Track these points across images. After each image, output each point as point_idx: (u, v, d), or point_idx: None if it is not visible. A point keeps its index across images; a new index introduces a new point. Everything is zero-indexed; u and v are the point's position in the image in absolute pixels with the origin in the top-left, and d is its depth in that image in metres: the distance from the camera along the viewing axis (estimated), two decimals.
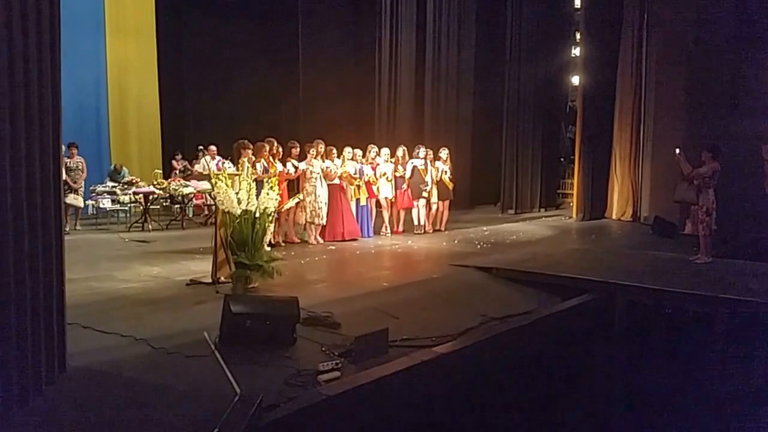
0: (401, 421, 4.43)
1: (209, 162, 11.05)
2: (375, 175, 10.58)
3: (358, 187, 10.34)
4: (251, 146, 8.51)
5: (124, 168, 12.49)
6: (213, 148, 11.74)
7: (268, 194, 6.58)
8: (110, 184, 11.92)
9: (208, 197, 11.10)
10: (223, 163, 9.15)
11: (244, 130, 10.86)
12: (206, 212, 12.05)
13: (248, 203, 6.45)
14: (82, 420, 3.43)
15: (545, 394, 5.46)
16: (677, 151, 8.43)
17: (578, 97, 14.40)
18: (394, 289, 6.79)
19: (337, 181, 9.92)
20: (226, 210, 6.45)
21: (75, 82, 12.35)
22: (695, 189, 8.15)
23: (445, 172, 11.31)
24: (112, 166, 12.71)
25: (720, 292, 6.57)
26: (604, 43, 13.49)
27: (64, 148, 5.05)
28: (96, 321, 5.01)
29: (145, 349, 4.49)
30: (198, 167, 11.49)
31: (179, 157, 13.35)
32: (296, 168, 9.58)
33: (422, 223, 11.11)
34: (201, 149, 12.12)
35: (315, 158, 9.69)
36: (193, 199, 12.10)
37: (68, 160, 10.38)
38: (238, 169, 7.74)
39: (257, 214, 6.51)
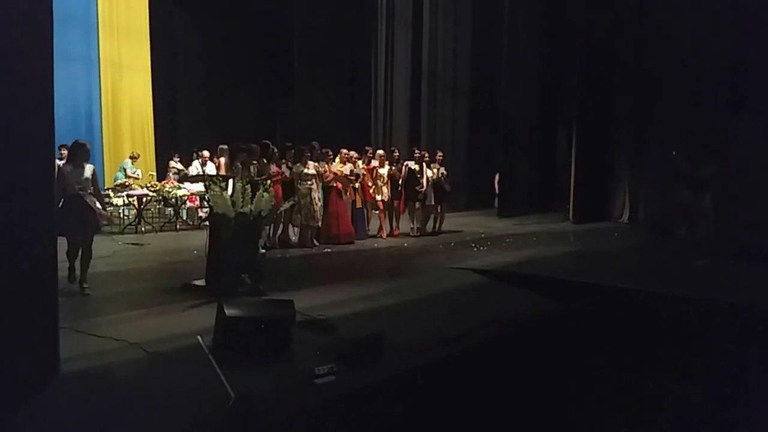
0: (397, 426, 4.39)
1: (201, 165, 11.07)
2: (371, 176, 10.55)
3: (354, 189, 10.31)
4: (245, 148, 8.46)
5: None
6: (206, 153, 11.64)
7: (262, 196, 6.53)
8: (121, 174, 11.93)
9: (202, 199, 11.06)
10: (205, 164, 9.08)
11: (238, 131, 10.84)
12: (200, 214, 11.99)
13: (243, 205, 6.40)
14: (75, 424, 3.39)
15: (542, 397, 5.43)
16: (674, 153, 8.46)
17: (576, 98, 14.40)
18: (389, 292, 6.76)
19: (333, 183, 9.88)
20: (221, 212, 6.40)
21: (67, 83, 12.29)
22: (692, 191, 8.16)
23: (442, 174, 11.28)
24: (128, 158, 12.58)
25: (717, 295, 6.56)
26: (602, 44, 13.50)
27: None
28: (88, 325, 4.96)
29: (139, 354, 4.44)
30: (191, 169, 11.48)
31: (177, 159, 13.29)
32: (291, 170, 9.53)
33: (418, 225, 11.07)
34: (194, 151, 12.07)
35: (310, 160, 9.65)
36: (187, 202, 12.03)
37: (60, 162, 10.30)
38: (233, 172, 7.69)
39: (252, 217, 6.46)
